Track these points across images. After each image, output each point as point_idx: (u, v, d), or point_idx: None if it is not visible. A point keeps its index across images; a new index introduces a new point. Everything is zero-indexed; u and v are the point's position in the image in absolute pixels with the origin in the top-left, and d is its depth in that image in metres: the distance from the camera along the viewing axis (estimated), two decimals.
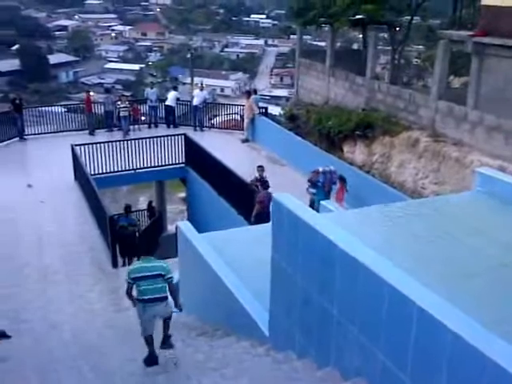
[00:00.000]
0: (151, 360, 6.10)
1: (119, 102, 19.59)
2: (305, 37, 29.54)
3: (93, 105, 20.40)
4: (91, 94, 21.74)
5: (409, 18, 18.51)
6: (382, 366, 3.61)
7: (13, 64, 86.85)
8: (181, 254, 8.41)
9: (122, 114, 19.29)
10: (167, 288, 6.12)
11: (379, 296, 3.56)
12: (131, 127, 19.76)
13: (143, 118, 21.44)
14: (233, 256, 7.34)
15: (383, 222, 6.63)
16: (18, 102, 18.77)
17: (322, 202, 9.99)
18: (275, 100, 58.88)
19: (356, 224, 6.74)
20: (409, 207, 7.49)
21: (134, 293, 6.18)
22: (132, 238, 12.68)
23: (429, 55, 27.29)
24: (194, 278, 7.98)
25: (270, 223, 5.50)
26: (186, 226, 8.07)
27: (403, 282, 3.47)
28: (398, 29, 19.57)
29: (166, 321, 6.25)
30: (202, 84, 22.77)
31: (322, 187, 12.76)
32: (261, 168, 13.65)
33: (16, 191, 14.61)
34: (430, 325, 3.09)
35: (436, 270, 5.32)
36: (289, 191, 13.17)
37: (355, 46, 39.14)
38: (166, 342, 6.22)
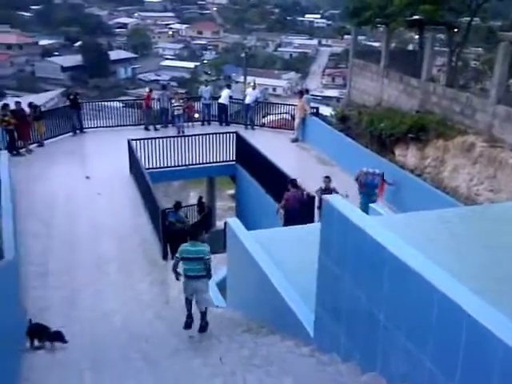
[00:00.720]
0: (187, 323, 7.23)
1: (173, 100, 19.95)
2: (359, 37, 29.12)
3: (152, 101, 20.81)
4: (150, 90, 22.13)
5: (468, 19, 17.91)
6: (429, 374, 3.54)
7: (75, 60, 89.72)
8: (229, 250, 8.49)
9: (176, 111, 19.62)
10: (205, 267, 7.13)
11: (428, 302, 3.48)
12: (185, 124, 20.05)
13: (197, 115, 21.73)
14: (280, 255, 7.35)
15: (435, 227, 6.46)
16: (73, 97, 19.18)
17: (372, 205, 9.84)
18: (326, 100, 58.40)
19: (406, 228, 6.61)
20: (462, 213, 7.28)
21: (180, 269, 7.25)
22: (180, 234, 12.94)
23: (488, 58, 26.42)
24: (241, 275, 8.04)
25: (317, 223, 5.48)
26: (234, 223, 8.14)
27: (454, 289, 3.39)
28: (456, 30, 18.99)
29: (204, 311, 7.22)
30: (254, 83, 22.80)
31: (368, 189, 12.61)
32: (328, 179, 12.78)
33: (75, 182, 15.12)
34: (481, 334, 3.00)
35: (490, 278, 5.14)
36: (339, 192, 13.13)
37: (410, 47, 38.32)
38: (204, 330, 7.20)
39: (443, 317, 3.39)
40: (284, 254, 7.48)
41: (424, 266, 3.70)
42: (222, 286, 9.62)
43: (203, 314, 7.20)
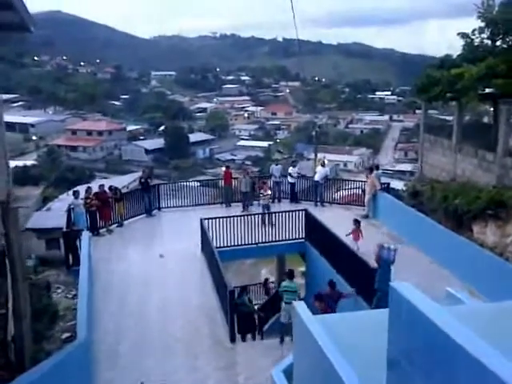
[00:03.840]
0: None
1: (256, 185, 20.18)
2: (431, 111, 28.75)
3: (231, 179, 21.22)
4: (227, 167, 22.61)
5: None
6: None
7: (158, 143, 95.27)
8: (296, 336, 8.01)
9: (261, 199, 19.61)
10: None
11: None
12: (255, 202, 20.12)
13: (269, 192, 21.71)
14: (348, 342, 6.81)
15: None
16: (144, 181, 19.60)
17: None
18: (399, 175, 57.41)
19: (491, 322, 5.91)
20: None
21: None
22: (247, 316, 12.72)
23: None
24: (308, 363, 7.50)
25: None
26: (300, 307, 7.71)
27: None
28: None
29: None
30: (323, 161, 22.76)
31: (383, 263, 11.80)
32: (357, 223, 13.77)
33: (149, 261, 15.35)
34: None
35: None
36: (410, 272, 12.45)
37: (486, 119, 37.24)
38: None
39: None
40: (355, 342, 6.92)
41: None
42: (288, 375, 9.04)
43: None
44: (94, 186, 18.73)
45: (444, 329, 3.94)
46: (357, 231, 15.37)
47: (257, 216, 16.98)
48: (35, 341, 7.53)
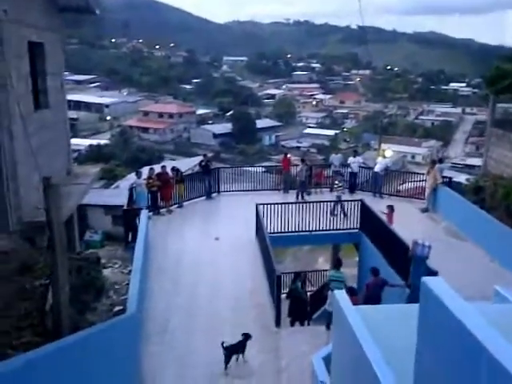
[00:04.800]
0: None
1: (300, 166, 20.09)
2: (505, 105, 27.18)
3: (290, 166, 21.25)
4: (288, 155, 22.63)
5: None
6: None
7: (226, 127, 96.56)
8: (335, 325, 8.03)
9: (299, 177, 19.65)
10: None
11: None
12: (313, 190, 20.07)
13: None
14: (386, 335, 6.76)
15: None
16: (204, 164, 19.91)
17: (498, 288, 8.65)
18: (468, 169, 55.04)
19: None
20: None
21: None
22: (299, 302, 12.87)
23: None
24: (344, 351, 7.52)
25: None
26: (340, 296, 7.72)
27: None
28: None
29: None
30: (383, 151, 22.28)
31: (418, 259, 11.37)
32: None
33: (205, 243, 15.70)
34: None
35: None
36: (467, 269, 12.09)
37: None
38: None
39: None
40: (392, 334, 6.87)
41: None
42: (328, 362, 9.08)
43: None
44: (157, 167, 19.31)
45: (468, 327, 3.87)
46: (390, 215, 16.00)
47: (312, 204, 16.89)
48: (80, 312, 7.99)
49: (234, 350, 9.61)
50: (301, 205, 16.80)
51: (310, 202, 17.35)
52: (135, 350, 9.65)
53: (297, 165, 21.73)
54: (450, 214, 16.94)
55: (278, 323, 11.30)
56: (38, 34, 10.27)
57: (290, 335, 11.22)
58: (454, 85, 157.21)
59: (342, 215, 17.09)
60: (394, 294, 11.85)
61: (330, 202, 17.07)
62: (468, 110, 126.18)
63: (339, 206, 17.34)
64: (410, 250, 11.85)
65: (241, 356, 9.72)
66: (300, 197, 19.36)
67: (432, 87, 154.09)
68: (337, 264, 12.10)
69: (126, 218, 16.32)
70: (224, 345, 9.47)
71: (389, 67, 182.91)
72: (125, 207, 16.64)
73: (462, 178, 29.50)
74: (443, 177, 18.44)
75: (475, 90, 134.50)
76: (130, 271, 11.27)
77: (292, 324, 13.17)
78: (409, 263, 11.88)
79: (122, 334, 8.85)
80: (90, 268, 9.45)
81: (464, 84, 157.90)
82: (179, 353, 10.01)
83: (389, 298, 11.31)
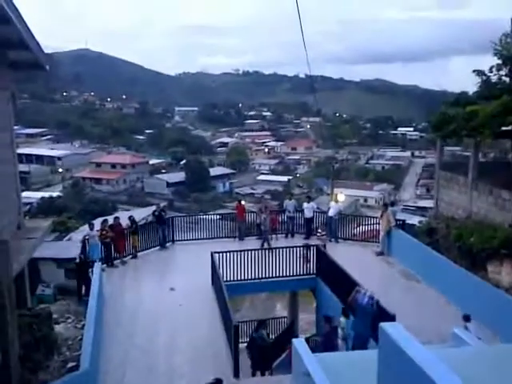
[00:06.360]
0: None
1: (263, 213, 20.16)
2: (453, 148, 28.45)
3: (245, 214, 21.23)
4: (242, 202, 22.69)
5: None
6: None
7: (179, 176, 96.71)
8: (294, 373, 7.90)
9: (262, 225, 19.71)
10: None
11: None
12: (269, 236, 20.08)
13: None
14: (346, 382, 6.68)
15: None
16: (158, 213, 19.74)
17: (456, 331, 8.76)
18: (421, 211, 56.72)
19: (489, 364, 5.74)
20: None
21: None
22: (264, 351, 12.64)
23: None
24: None
25: None
26: (299, 344, 7.64)
27: None
28: None
29: None
30: (336, 196, 22.72)
31: (358, 308, 11.52)
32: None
33: (160, 294, 15.37)
34: None
35: None
36: (424, 311, 12.21)
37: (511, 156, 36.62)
38: None
39: None
40: (353, 381, 6.79)
41: None
42: None
43: None
44: (110, 219, 18.96)
45: (428, 372, 3.89)
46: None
47: (269, 250, 16.87)
48: (31, 371, 7.55)
49: None
50: (256, 252, 16.71)
51: (265, 249, 17.31)
52: None
53: (253, 212, 21.76)
54: (405, 256, 17.19)
55: (236, 374, 11.00)
56: None
57: None
58: (402, 129, 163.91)
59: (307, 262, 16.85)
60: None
61: (287, 248, 17.05)
62: (417, 153, 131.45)
63: (310, 252, 17.12)
64: (349, 298, 11.88)
65: None
66: (267, 244, 19.12)
67: (380, 132, 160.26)
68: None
69: (79, 270, 15.96)
70: None
71: (337, 114, 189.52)
72: (77, 260, 16.19)
73: (414, 220, 30.29)
74: (396, 219, 18.82)
75: (422, 134, 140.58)
76: (84, 326, 10.83)
77: (253, 374, 12.86)
78: (349, 310, 11.98)
79: None
80: (42, 324, 9.01)
81: (411, 128, 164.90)
82: None
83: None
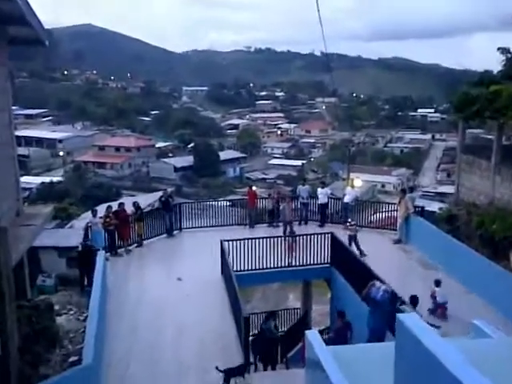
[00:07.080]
0: None
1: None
2: (474, 131, 27.94)
3: (256, 200, 21.34)
4: (254, 188, 22.76)
5: None
6: None
7: (187, 160, 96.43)
8: (307, 366, 8.00)
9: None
10: None
11: None
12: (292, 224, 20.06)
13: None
14: (360, 375, 6.75)
15: None
16: (164, 200, 19.80)
17: (476, 322, 8.76)
18: (440, 197, 56.39)
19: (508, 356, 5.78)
20: None
21: None
22: (271, 344, 12.76)
23: None
24: None
25: None
26: (313, 336, 7.71)
27: None
28: None
29: None
30: (353, 181, 22.68)
31: (371, 301, 11.49)
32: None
33: (166, 284, 15.51)
34: None
35: None
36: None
37: None
38: None
39: None
40: (367, 375, 6.86)
41: None
42: None
43: None
44: (115, 205, 19.09)
45: (445, 364, 3.94)
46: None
47: (280, 238, 16.92)
48: (31, 364, 7.70)
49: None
50: (268, 240, 16.75)
51: (276, 237, 17.33)
52: None
53: (264, 198, 21.77)
54: (424, 244, 17.19)
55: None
56: None
57: (260, 380, 11.03)
58: (422, 111, 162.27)
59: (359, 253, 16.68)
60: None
61: (301, 235, 17.06)
62: (438, 136, 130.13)
63: (354, 244, 17.16)
64: (362, 291, 11.90)
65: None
66: (289, 231, 18.97)
67: (399, 113, 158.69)
68: None
69: (82, 260, 16.00)
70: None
71: (354, 94, 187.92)
72: (80, 248, 16.30)
73: (434, 206, 30.20)
74: (415, 206, 18.77)
75: (444, 116, 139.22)
76: (86, 318, 10.98)
77: (265, 368, 12.99)
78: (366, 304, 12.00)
79: None
80: (42, 316, 9.14)
81: (432, 110, 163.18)
82: None
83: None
